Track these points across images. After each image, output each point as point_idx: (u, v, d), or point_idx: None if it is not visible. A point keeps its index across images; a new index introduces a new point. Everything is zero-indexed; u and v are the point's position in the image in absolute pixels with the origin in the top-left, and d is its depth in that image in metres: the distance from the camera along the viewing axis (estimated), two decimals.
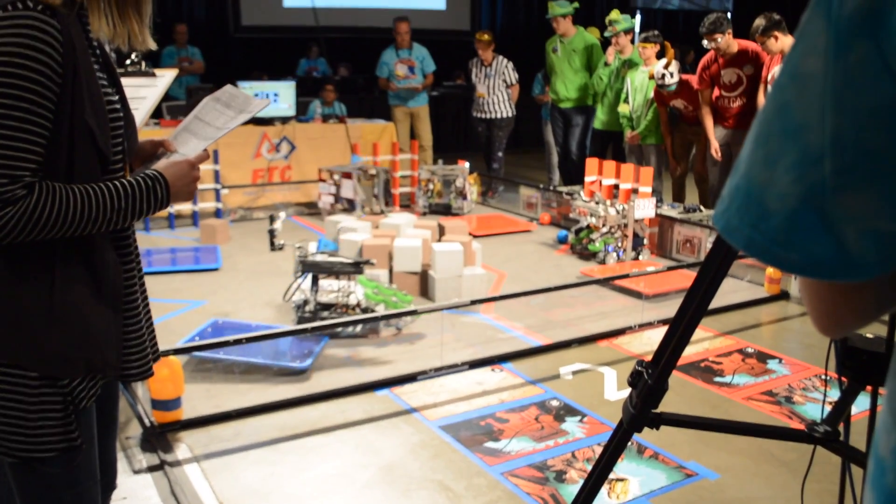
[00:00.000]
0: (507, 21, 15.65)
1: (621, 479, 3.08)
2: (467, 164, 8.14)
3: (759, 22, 5.97)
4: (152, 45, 1.65)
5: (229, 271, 5.88)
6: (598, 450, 3.29)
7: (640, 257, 6.20)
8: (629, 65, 7.59)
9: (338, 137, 8.32)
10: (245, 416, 3.57)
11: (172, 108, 8.35)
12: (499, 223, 7.64)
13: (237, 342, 3.63)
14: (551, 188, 8.10)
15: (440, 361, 4.11)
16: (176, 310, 4.98)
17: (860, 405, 2.49)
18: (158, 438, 3.34)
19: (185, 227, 7.30)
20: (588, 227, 6.35)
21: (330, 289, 4.56)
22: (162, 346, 2.06)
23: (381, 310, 4.51)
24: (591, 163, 6.95)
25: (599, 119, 8.01)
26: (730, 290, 5.33)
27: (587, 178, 6.93)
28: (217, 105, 1.83)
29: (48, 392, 1.54)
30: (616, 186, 6.59)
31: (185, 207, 7.32)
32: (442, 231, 5.98)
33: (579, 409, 3.71)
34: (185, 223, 7.37)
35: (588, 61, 8.17)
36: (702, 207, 6.72)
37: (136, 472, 3.11)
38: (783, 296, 5.42)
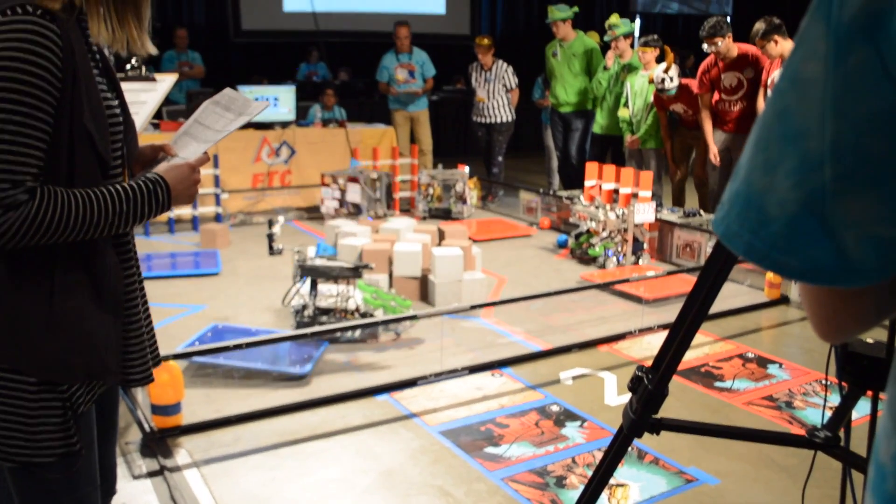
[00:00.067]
0: (506, 25, 15.67)
1: (622, 485, 3.07)
2: (467, 169, 8.14)
3: (759, 26, 5.98)
4: (152, 50, 1.65)
5: (229, 276, 5.88)
6: (599, 455, 3.28)
7: (640, 262, 6.19)
8: (629, 69, 7.59)
9: (338, 142, 8.32)
10: (245, 421, 3.56)
11: (172, 112, 8.36)
12: (499, 228, 7.64)
13: (237, 347, 3.62)
14: (551, 192, 8.10)
15: (440, 366, 4.10)
16: (175, 314, 4.97)
17: (861, 410, 2.48)
18: (158, 443, 3.34)
19: (184, 232, 7.30)
20: (588, 231, 6.35)
21: (329, 293, 4.56)
22: (162, 351, 2.06)
23: (380, 314, 4.51)
24: (591, 167, 6.95)
25: (599, 123, 8.01)
26: (730, 295, 5.32)
27: (587, 183, 6.93)
28: (217, 108, 1.83)
29: (48, 397, 1.54)
30: (616, 191, 6.59)
31: (185, 212, 7.32)
32: (442, 235, 5.98)
33: (579, 414, 3.71)
34: (184, 228, 7.37)
35: (588, 65, 8.17)
36: (701, 212, 6.72)
37: (136, 477, 3.10)
38: (783, 300, 5.41)
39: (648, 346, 4.58)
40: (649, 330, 4.78)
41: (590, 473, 2.14)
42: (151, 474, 3.12)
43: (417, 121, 9.15)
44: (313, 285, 4.54)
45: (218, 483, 3.07)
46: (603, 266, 6.11)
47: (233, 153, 7.63)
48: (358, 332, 4.49)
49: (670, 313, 4.59)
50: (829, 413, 2.02)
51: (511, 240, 7.23)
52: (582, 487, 2.04)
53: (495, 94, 8.88)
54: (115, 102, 1.63)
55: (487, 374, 4.14)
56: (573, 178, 8.23)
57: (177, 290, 5.49)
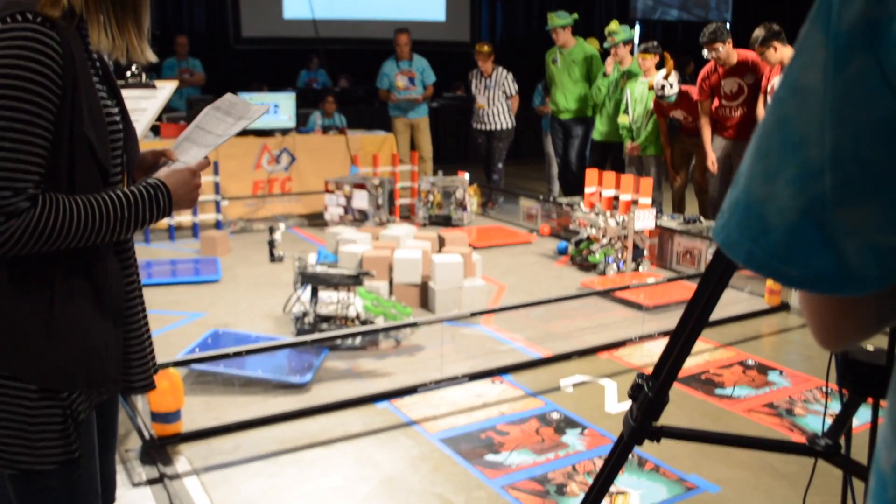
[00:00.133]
0: (506, 32, 15.69)
1: (622, 493, 3.07)
2: (467, 176, 8.15)
3: (759, 32, 5.99)
4: (151, 58, 1.65)
5: (229, 283, 5.88)
6: (599, 463, 3.27)
7: (641, 268, 6.19)
8: (628, 76, 7.61)
9: (338, 149, 8.33)
10: (245, 428, 3.56)
11: (173, 119, 8.36)
12: (499, 234, 7.64)
13: (237, 354, 3.62)
14: (551, 199, 8.10)
15: (440, 373, 4.10)
16: (175, 321, 4.97)
17: (862, 418, 2.48)
18: (158, 451, 3.33)
19: (185, 239, 7.30)
20: (588, 238, 6.35)
21: (329, 300, 4.56)
22: (162, 358, 2.06)
23: (380, 322, 4.50)
24: (591, 174, 6.95)
25: (598, 130, 8.01)
26: (730, 302, 5.32)
27: (587, 190, 6.93)
28: (217, 113, 1.84)
29: (48, 404, 1.54)
30: (616, 197, 6.59)
31: (185, 219, 7.33)
32: (442, 242, 5.98)
33: (580, 421, 3.70)
34: (185, 235, 7.37)
35: (588, 72, 8.18)
36: (702, 218, 6.72)
37: (136, 485, 3.10)
38: (784, 307, 5.41)
39: (649, 353, 4.57)
40: (650, 337, 4.78)
41: (590, 481, 2.14)
42: (151, 482, 3.12)
43: (418, 128, 9.16)
44: (314, 293, 4.54)
45: (218, 491, 3.06)
46: (603, 273, 6.10)
47: (233, 160, 7.63)
48: (358, 340, 4.49)
49: (671, 320, 4.59)
50: (829, 421, 2.02)
51: (511, 247, 7.23)
52: (582, 495, 2.04)
53: (495, 100, 8.89)
54: (116, 110, 1.63)
55: (488, 382, 4.14)
56: (573, 185, 8.24)
57: (177, 297, 5.49)
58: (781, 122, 0.62)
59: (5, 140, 1.40)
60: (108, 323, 1.61)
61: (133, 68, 4.32)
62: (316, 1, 11.78)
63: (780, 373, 4.31)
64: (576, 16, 8.26)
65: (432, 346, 4.50)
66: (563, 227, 7.51)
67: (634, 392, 1.87)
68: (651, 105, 7.17)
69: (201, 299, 5.45)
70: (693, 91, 6.86)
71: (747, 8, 16.37)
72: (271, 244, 6.46)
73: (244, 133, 7.62)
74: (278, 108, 8.03)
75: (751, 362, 4.47)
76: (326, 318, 4.53)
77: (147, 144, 6.59)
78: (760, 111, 6.38)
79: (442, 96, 12.74)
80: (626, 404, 2.38)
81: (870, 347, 1.90)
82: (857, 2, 0.57)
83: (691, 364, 4.38)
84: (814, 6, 0.61)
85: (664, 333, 4.79)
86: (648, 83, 7.10)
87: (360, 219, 7.42)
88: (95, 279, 1.58)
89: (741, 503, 3.01)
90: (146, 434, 3.38)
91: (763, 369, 4.36)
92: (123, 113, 1.67)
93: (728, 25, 6.98)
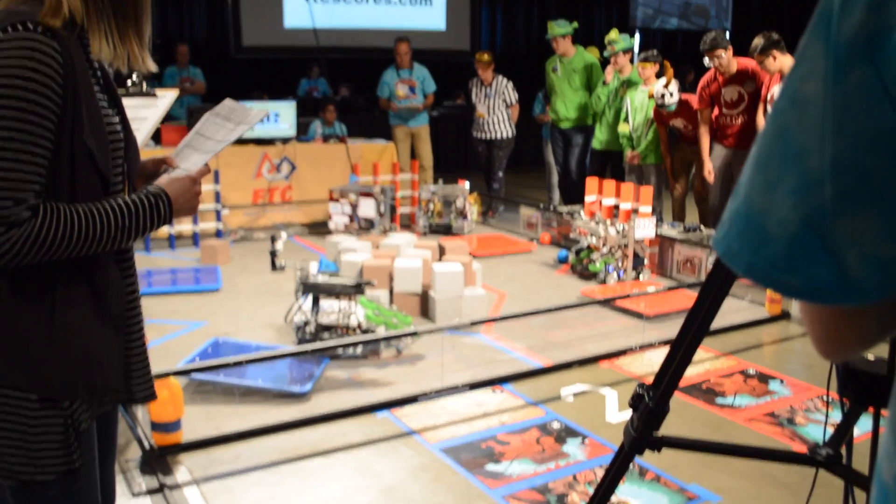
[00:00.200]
0: (506, 41, 15.73)
1: (623, 503, 3.06)
2: (468, 184, 8.15)
3: (758, 41, 6.00)
4: (152, 67, 1.65)
5: (230, 292, 5.88)
6: (600, 472, 3.27)
7: (641, 277, 6.19)
8: (628, 84, 7.62)
9: (338, 157, 8.34)
10: (245, 438, 3.55)
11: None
12: (499, 243, 7.64)
13: (237, 364, 3.62)
14: (551, 208, 8.11)
15: (441, 383, 4.09)
16: (175, 331, 4.96)
17: (863, 427, 2.47)
18: (158, 461, 3.32)
19: (185, 248, 7.29)
20: (588, 247, 6.34)
21: (331, 310, 4.56)
22: (162, 368, 2.06)
23: (381, 331, 4.50)
24: (591, 182, 6.96)
25: (598, 139, 8.02)
26: (731, 311, 5.32)
27: (587, 198, 6.93)
28: (217, 119, 1.85)
29: (49, 414, 1.53)
30: (616, 206, 6.59)
31: (185, 228, 7.33)
32: (442, 251, 5.97)
33: (580, 431, 3.69)
34: (185, 244, 7.37)
35: (588, 81, 8.20)
36: (702, 227, 6.72)
37: (136, 495, 3.09)
38: (784, 316, 5.41)
39: (649, 362, 4.57)
40: (650, 346, 4.77)
41: (591, 491, 2.13)
42: (151, 492, 3.11)
43: (418, 136, 9.17)
44: (315, 302, 4.54)
45: (218, 500, 3.05)
46: (603, 282, 6.10)
47: (233, 169, 7.64)
48: (359, 349, 4.48)
49: (671, 329, 4.58)
50: (830, 430, 2.01)
51: (511, 255, 7.23)
52: None
53: (495, 109, 8.90)
54: (116, 119, 1.63)
55: (488, 391, 4.13)
56: (573, 194, 8.24)
57: (177, 306, 5.48)
58: (781, 133, 0.62)
59: (6, 150, 1.40)
60: (109, 332, 1.61)
61: (134, 77, 4.33)
62: (317, 10, 11.80)
63: (781, 382, 4.31)
64: (576, 25, 8.28)
65: (433, 355, 4.49)
66: (564, 235, 7.51)
67: (635, 401, 1.87)
68: (651, 114, 7.18)
69: (202, 308, 5.45)
70: (693, 100, 6.87)
71: (747, 17, 16.41)
72: (273, 254, 6.46)
73: (244, 142, 7.64)
74: (279, 116, 8.04)
75: (752, 371, 4.46)
76: (328, 328, 4.53)
77: (148, 152, 6.58)
78: (760, 120, 6.39)
79: (442, 105, 12.76)
80: (627, 414, 2.38)
81: (871, 357, 1.90)
82: (857, 13, 0.57)
83: (692, 373, 4.37)
84: (813, 17, 0.61)
85: (665, 342, 4.79)
86: (648, 92, 7.11)
87: (366, 227, 7.42)
88: (96, 288, 1.58)
89: None
90: (146, 444, 3.37)
91: (764, 378, 4.36)
92: (124, 122, 1.67)
93: (727, 34, 6.98)
